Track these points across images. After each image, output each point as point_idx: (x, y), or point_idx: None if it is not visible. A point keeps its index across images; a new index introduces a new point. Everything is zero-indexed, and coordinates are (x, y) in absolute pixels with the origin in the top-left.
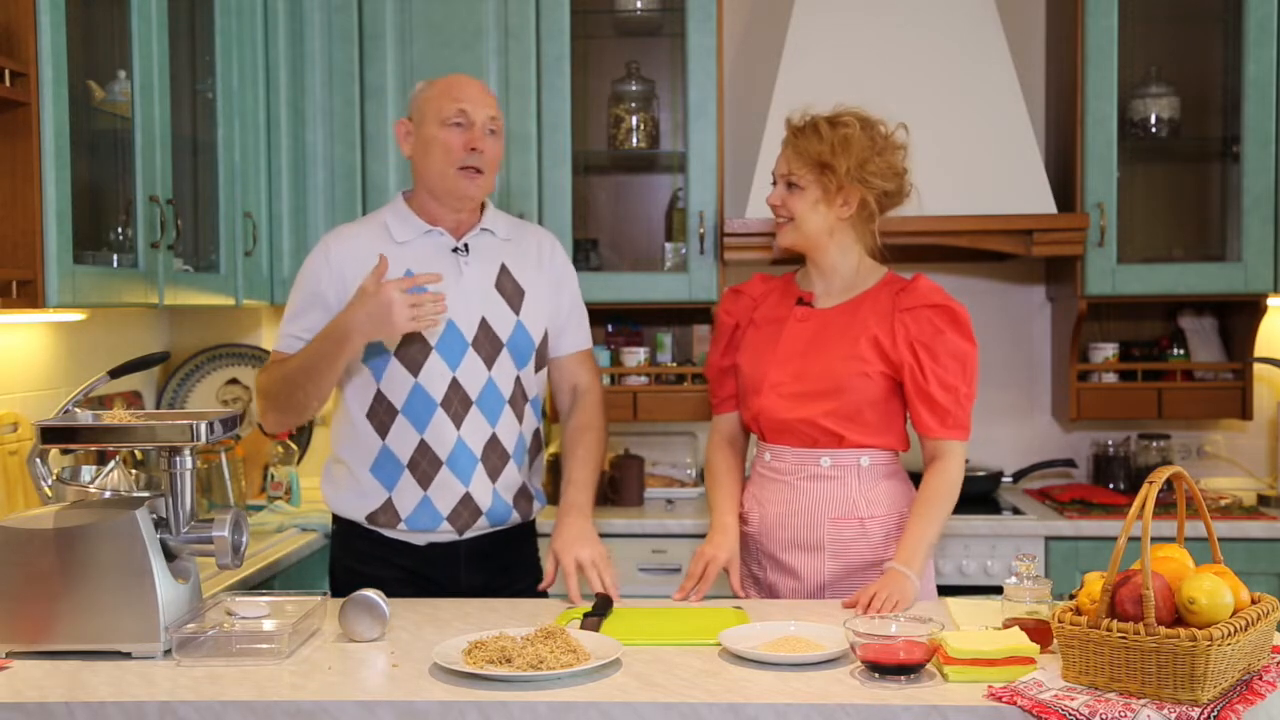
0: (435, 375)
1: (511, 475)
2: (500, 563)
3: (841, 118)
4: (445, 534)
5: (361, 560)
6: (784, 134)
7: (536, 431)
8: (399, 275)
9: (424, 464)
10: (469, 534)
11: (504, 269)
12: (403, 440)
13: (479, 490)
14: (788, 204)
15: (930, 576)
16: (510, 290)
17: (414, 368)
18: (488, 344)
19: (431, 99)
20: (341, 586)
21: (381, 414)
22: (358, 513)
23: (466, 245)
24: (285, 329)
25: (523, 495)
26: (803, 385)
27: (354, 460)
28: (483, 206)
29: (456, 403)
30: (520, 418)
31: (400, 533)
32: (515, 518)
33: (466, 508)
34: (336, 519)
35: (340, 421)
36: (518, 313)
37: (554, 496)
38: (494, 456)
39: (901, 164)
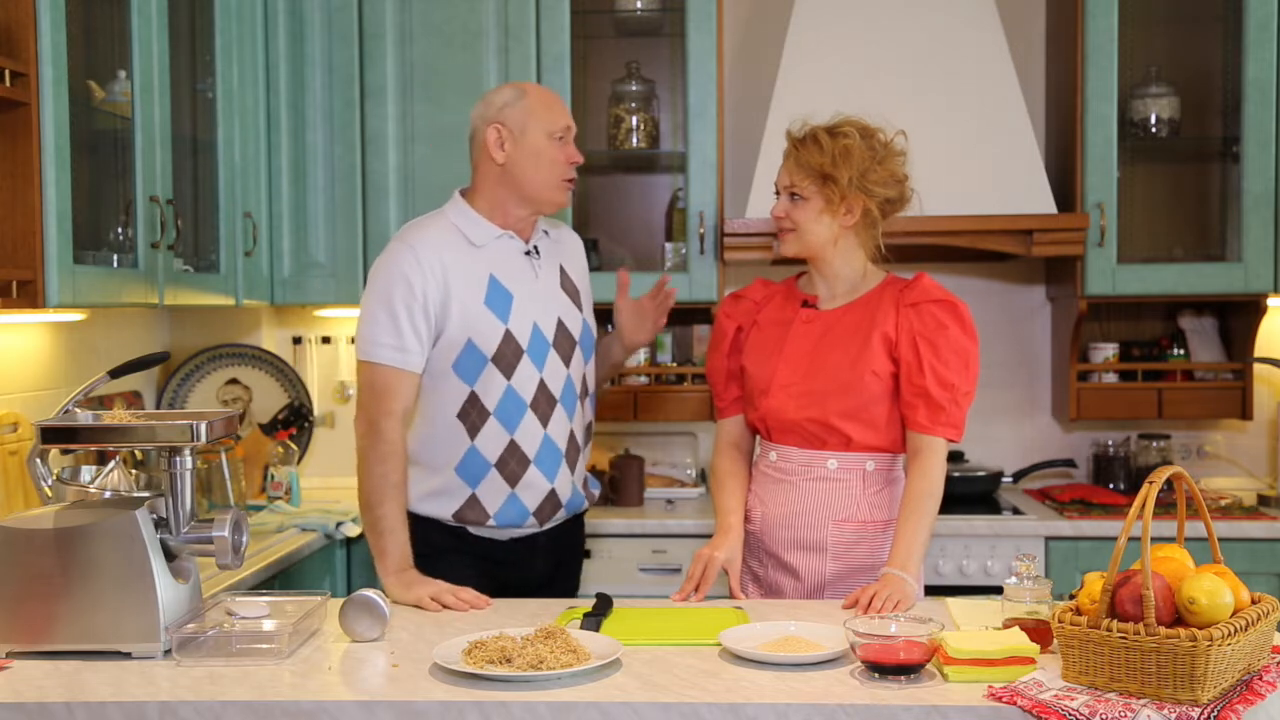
0: (525, 378)
1: (580, 465)
2: (565, 547)
3: (841, 128)
4: (529, 528)
5: (439, 555)
6: (784, 143)
7: (591, 421)
8: (483, 276)
9: (512, 463)
10: (548, 525)
11: (562, 269)
12: (492, 441)
13: (561, 485)
14: (792, 215)
15: (920, 579)
16: (571, 289)
17: (508, 371)
18: (565, 343)
19: (535, 111)
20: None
21: (474, 416)
22: (443, 511)
23: (537, 248)
24: (395, 343)
25: (586, 482)
26: (812, 384)
27: (435, 461)
28: None
29: (544, 403)
30: (584, 410)
31: (488, 530)
32: (585, 504)
33: (550, 502)
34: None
35: (419, 424)
36: (580, 310)
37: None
38: (572, 450)
39: (902, 170)
